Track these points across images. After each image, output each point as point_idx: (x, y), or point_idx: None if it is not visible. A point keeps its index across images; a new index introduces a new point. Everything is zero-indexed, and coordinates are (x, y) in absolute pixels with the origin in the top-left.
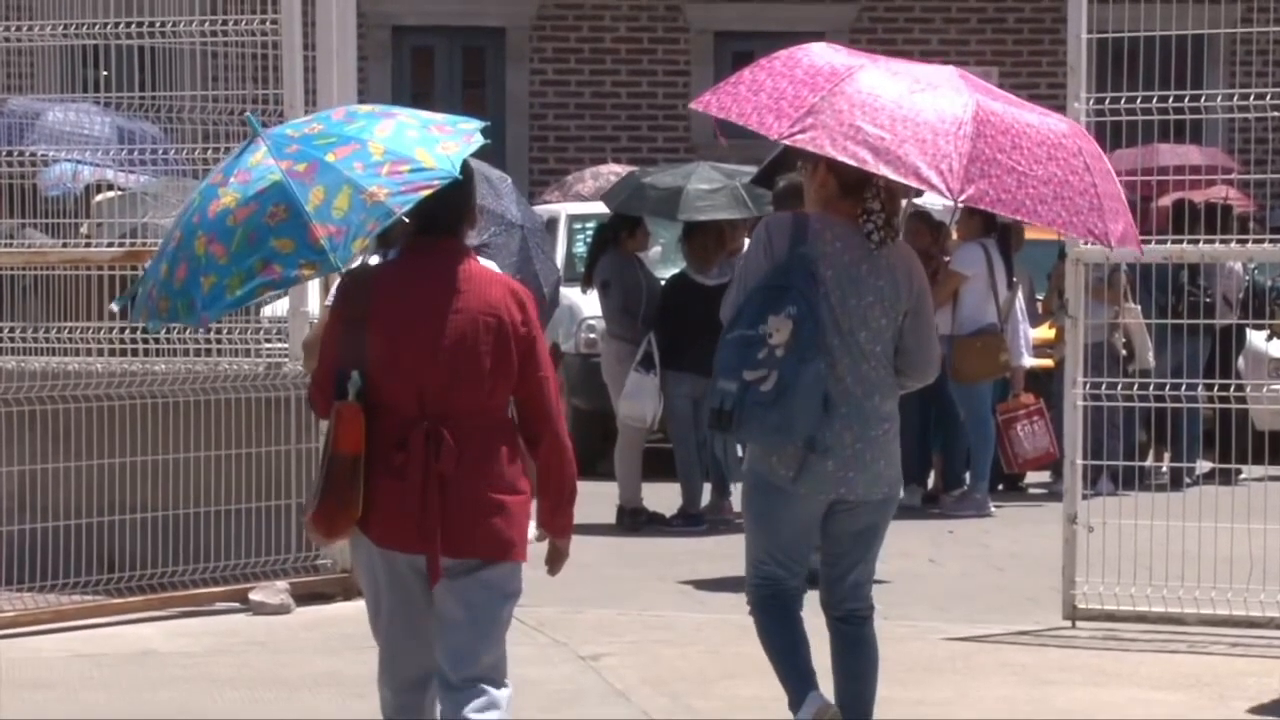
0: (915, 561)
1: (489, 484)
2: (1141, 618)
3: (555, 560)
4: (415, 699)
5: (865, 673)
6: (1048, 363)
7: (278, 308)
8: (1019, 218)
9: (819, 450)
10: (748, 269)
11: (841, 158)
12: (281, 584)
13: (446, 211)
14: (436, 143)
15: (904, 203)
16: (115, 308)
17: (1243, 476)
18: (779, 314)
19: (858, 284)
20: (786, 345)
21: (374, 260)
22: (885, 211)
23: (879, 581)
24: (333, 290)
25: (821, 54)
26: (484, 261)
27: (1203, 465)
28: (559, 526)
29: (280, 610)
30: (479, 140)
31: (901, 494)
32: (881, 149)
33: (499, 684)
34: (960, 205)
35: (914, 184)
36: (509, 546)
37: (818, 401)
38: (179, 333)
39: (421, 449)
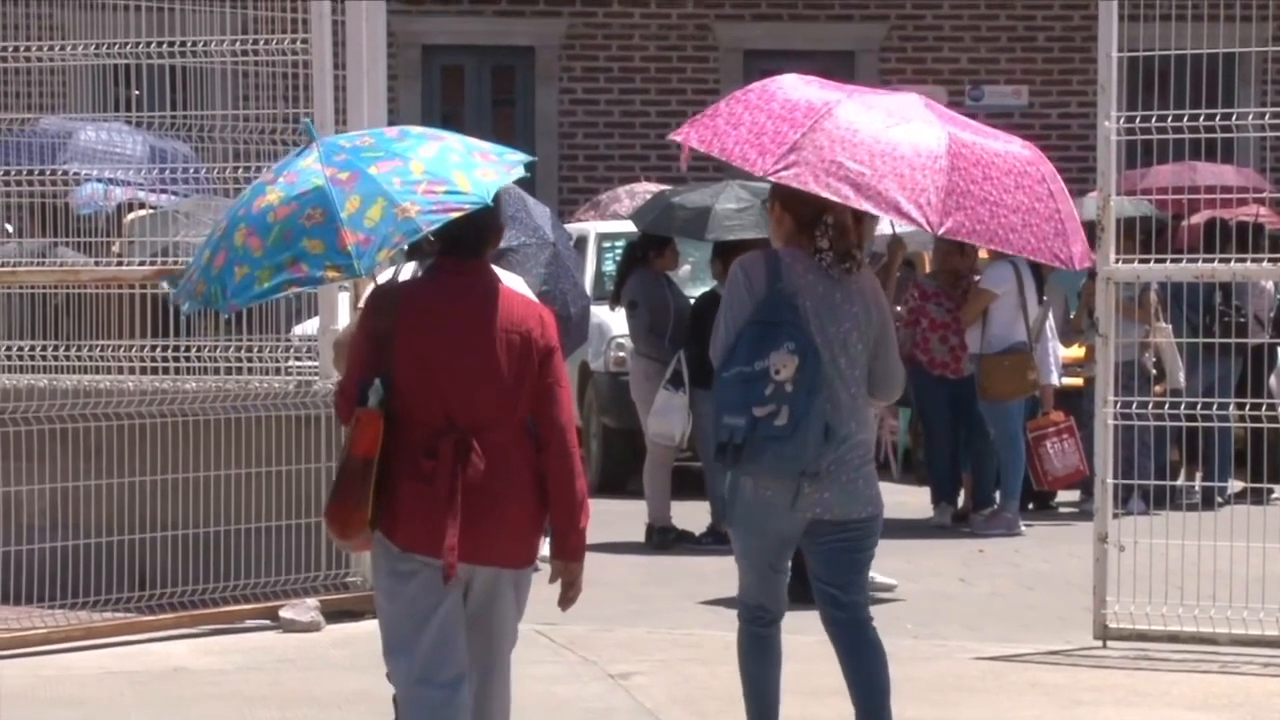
0: (945, 580)
1: (512, 494)
2: (1173, 638)
3: (568, 588)
4: (456, 695)
5: (875, 673)
6: (1077, 381)
7: (308, 327)
8: (992, 247)
9: (809, 475)
10: (731, 308)
11: (824, 194)
12: (312, 601)
13: (472, 235)
14: (476, 168)
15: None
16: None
17: (1274, 496)
18: (779, 350)
19: (834, 311)
20: (793, 380)
21: (407, 270)
22: (834, 250)
23: (898, 600)
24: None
25: (795, 87)
26: (504, 273)
27: (1234, 485)
28: (571, 548)
29: (310, 628)
30: (520, 172)
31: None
32: (862, 184)
33: (506, 676)
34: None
35: (894, 218)
36: (529, 554)
37: (822, 431)
38: (210, 350)
39: (451, 459)
